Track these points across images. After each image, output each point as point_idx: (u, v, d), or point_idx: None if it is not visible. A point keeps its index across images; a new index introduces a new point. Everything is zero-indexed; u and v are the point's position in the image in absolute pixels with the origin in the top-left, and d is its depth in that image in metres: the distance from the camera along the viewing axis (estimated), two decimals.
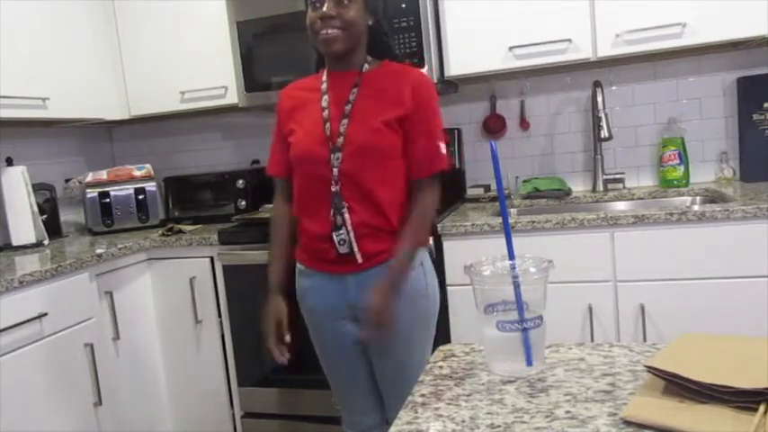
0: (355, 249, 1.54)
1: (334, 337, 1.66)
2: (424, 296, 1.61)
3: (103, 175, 2.74)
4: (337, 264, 1.57)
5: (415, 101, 1.54)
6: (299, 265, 1.68)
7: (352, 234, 1.53)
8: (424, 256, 1.63)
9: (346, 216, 1.53)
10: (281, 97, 1.69)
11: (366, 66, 1.60)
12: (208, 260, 2.38)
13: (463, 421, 0.71)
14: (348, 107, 1.56)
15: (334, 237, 1.54)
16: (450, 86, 2.56)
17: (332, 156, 1.53)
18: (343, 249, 1.54)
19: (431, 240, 1.70)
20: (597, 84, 2.39)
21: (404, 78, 1.57)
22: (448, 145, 2.58)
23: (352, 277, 1.57)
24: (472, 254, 0.96)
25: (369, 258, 1.55)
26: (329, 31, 1.51)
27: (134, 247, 2.33)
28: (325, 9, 1.50)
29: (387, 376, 1.65)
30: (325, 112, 1.57)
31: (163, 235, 2.48)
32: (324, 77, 1.63)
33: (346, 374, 1.70)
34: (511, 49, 2.26)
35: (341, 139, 1.53)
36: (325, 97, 1.59)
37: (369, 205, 1.53)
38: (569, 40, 2.21)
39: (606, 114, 2.34)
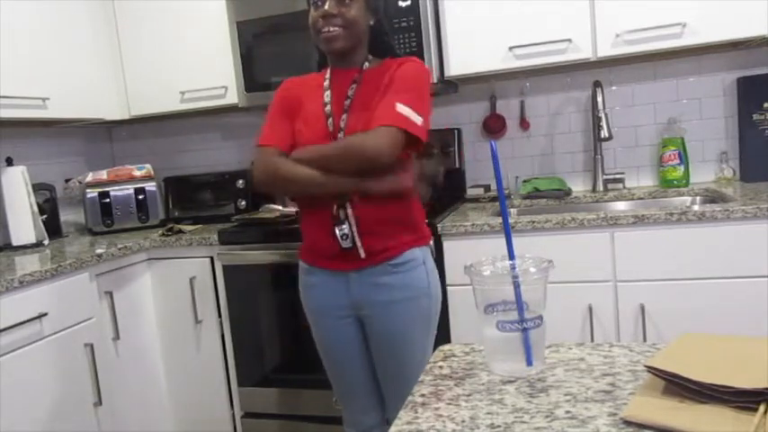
0: (358, 244, 1.54)
1: (337, 336, 1.66)
2: (426, 295, 1.61)
3: (103, 175, 2.74)
4: (340, 260, 1.58)
5: (395, 75, 1.55)
6: (302, 263, 1.70)
7: (354, 228, 1.54)
8: (426, 255, 1.64)
9: (349, 210, 1.54)
10: (286, 84, 1.69)
11: (367, 64, 1.63)
12: (208, 260, 2.38)
13: (463, 421, 0.71)
14: (347, 102, 1.58)
15: (337, 231, 1.55)
16: (451, 86, 2.56)
17: None
18: (345, 244, 1.55)
19: (431, 240, 1.70)
20: (597, 84, 2.39)
21: (395, 65, 1.59)
22: (448, 147, 2.60)
23: (355, 274, 1.58)
24: (472, 254, 0.96)
25: (372, 255, 1.56)
26: (331, 29, 1.53)
27: (134, 247, 2.33)
28: (326, 8, 1.52)
29: (388, 375, 1.66)
30: (327, 108, 1.59)
31: (163, 235, 2.48)
32: (327, 75, 1.65)
33: (348, 373, 1.71)
34: (511, 49, 2.26)
35: (342, 135, 1.55)
36: (327, 93, 1.61)
37: (371, 201, 1.54)
38: (569, 40, 2.21)
39: (606, 114, 2.34)
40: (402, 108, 1.48)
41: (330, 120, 1.57)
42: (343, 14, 1.53)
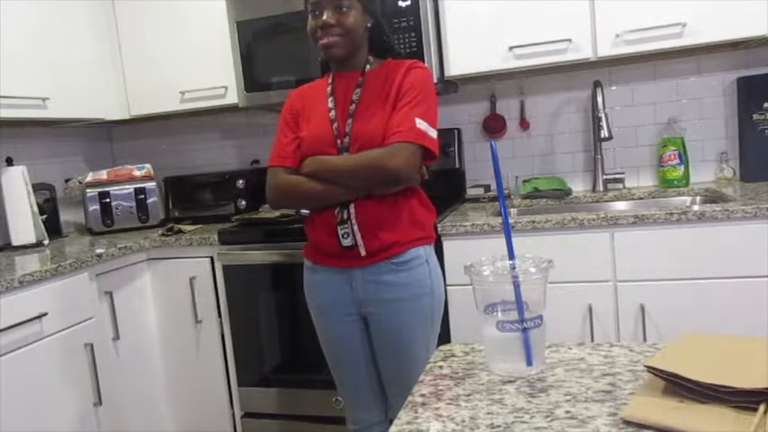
0: (359, 242, 1.55)
1: (341, 333, 1.67)
2: (429, 293, 1.62)
3: (103, 175, 2.74)
4: (343, 258, 1.59)
5: (404, 82, 1.56)
6: (306, 261, 1.71)
7: (356, 227, 1.55)
8: (429, 254, 1.64)
9: (352, 211, 1.56)
10: (292, 98, 1.72)
11: (368, 66, 1.64)
12: (208, 260, 2.38)
13: (463, 421, 0.71)
14: (352, 107, 1.59)
15: (339, 230, 1.56)
16: (450, 86, 2.56)
17: (340, 155, 1.57)
18: (346, 242, 1.56)
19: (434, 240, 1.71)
20: (597, 84, 2.39)
21: (399, 69, 1.60)
22: (448, 147, 2.60)
23: (358, 272, 1.59)
24: (472, 254, 0.96)
25: (373, 253, 1.57)
26: (329, 38, 1.55)
27: (134, 247, 2.33)
28: (324, 17, 1.53)
29: (390, 374, 1.67)
30: (332, 113, 1.60)
31: (163, 235, 2.48)
32: (330, 80, 1.66)
33: (351, 370, 1.72)
34: (511, 49, 2.26)
35: (347, 139, 1.56)
36: (331, 98, 1.62)
37: (375, 200, 1.55)
38: (569, 40, 2.21)
39: (606, 114, 2.34)
40: (421, 123, 1.51)
41: (335, 125, 1.58)
42: (342, 23, 1.54)
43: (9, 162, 2.43)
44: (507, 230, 0.89)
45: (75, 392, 2.00)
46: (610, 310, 2.00)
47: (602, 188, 2.53)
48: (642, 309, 1.96)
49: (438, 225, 2.06)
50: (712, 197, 2.26)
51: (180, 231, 2.50)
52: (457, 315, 2.09)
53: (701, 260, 1.89)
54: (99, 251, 2.17)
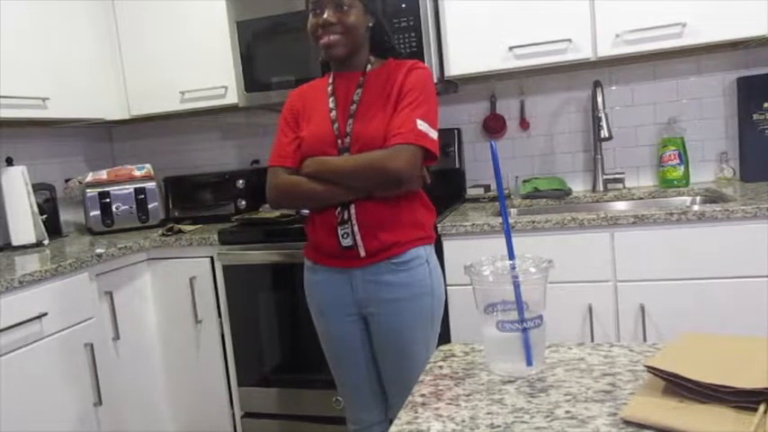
0: (359, 243, 1.55)
1: (341, 333, 1.67)
2: (429, 294, 1.62)
3: (103, 175, 2.74)
4: (343, 258, 1.59)
5: (405, 83, 1.56)
6: (306, 261, 1.71)
7: (356, 228, 1.55)
8: (429, 254, 1.64)
9: (352, 211, 1.56)
10: (292, 97, 1.72)
11: (369, 66, 1.64)
12: (208, 260, 2.38)
13: (463, 421, 0.71)
14: (353, 107, 1.59)
15: (339, 230, 1.56)
16: (450, 86, 2.56)
17: (340, 155, 1.57)
18: (346, 242, 1.56)
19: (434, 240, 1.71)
20: (597, 84, 2.39)
21: (401, 69, 1.60)
22: (448, 147, 2.60)
23: (358, 272, 1.59)
24: (472, 254, 0.96)
25: (373, 253, 1.57)
26: (330, 37, 1.54)
27: (134, 247, 2.33)
28: (325, 16, 1.53)
29: (390, 374, 1.67)
30: (333, 113, 1.60)
31: (163, 235, 2.48)
32: (330, 80, 1.66)
33: (351, 370, 1.72)
34: (511, 49, 2.26)
35: (348, 139, 1.56)
36: (332, 98, 1.62)
37: (375, 201, 1.55)
38: (569, 40, 2.21)
39: (606, 114, 2.34)
40: (422, 125, 1.51)
41: (336, 125, 1.58)
42: (343, 21, 1.54)
43: (9, 162, 2.43)
44: (507, 230, 0.89)
45: (75, 392, 2.00)
46: (610, 310, 2.00)
47: (602, 188, 2.53)
48: (642, 309, 1.96)
49: (438, 225, 2.06)
50: (712, 197, 2.26)
51: (180, 231, 2.50)
52: (457, 315, 2.09)
53: (701, 260, 1.89)
54: (99, 251, 2.17)
